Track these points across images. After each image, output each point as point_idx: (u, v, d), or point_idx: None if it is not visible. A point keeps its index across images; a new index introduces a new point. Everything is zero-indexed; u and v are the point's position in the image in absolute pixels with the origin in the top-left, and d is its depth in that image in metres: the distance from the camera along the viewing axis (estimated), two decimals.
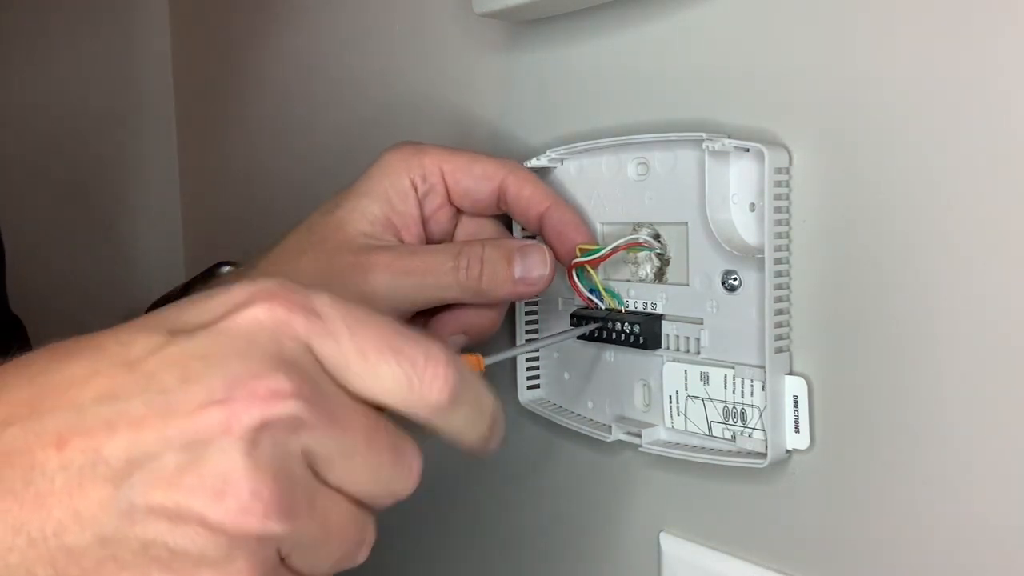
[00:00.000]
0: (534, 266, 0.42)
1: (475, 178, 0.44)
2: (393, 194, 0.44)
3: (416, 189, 0.44)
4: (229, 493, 0.25)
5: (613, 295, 0.43)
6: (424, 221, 0.45)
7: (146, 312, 0.49)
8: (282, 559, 0.27)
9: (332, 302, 0.28)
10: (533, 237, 0.45)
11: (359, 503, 0.29)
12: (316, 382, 0.27)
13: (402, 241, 0.44)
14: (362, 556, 0.29)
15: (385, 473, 0.29)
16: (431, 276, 0.42)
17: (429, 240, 0.46)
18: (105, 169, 0.84)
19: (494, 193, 0.44)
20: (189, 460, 0.25)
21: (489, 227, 0.46)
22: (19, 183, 0.76)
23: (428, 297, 0.42)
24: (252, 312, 0.27)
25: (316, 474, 0.27)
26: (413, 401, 0.28)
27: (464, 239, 0.46)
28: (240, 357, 0.26)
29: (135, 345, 0.27)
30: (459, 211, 0.46)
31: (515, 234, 0.47)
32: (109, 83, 0.83)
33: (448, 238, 0.46)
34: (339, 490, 0.28)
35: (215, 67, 0.80)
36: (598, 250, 0.42)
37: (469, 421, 0.31)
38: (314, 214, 0.45)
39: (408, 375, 0.28)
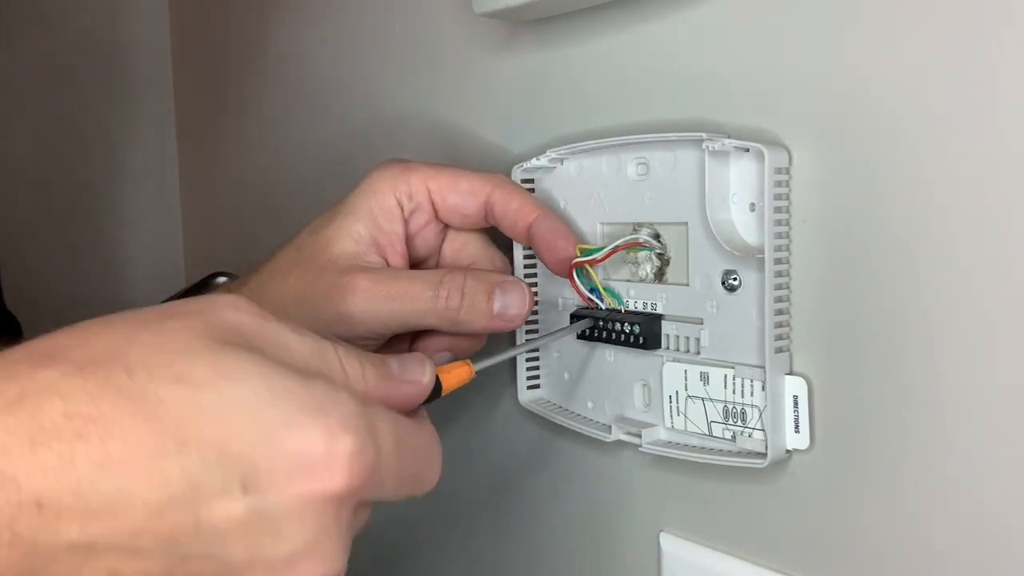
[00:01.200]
0: (512, 304, 0.43)
1: (461, 194, 0.44)
2: (379, 213, 0.44)
3: (402, 208, 0.44)
4: None
5: (613, 295, 0.43)
6: (409, 239, 0.45)
7: None
8: None
9: (393, 441, 0.30)
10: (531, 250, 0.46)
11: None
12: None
13: (386, 260, 0.45)
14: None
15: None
16: (410, 303, 0.42)
17: (414, 257, 0.46)
18: (104, 175, 0.84)
19: (481, 208, 0.44)
20: None
21: (475, 242, 0.47)
22: (16, 187, 0.76)
23: (405, 322, 0.43)
24: (332, 487, 0.28)
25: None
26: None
27: (450, 255, 0.47)
28: (307, 544, 0.28)
29: (205, 493, 0.26)
30: (446, 227, 0.46)
31: (515, 252, 0.47)
32: (108, 89, 0.83)
33: (435, 254, 0.47)
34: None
35: (215, 66, 0.80)
36: (598, 250, 0.42)
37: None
38: (303, 233, 0.46)
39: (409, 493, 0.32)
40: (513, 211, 0.44)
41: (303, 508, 0.27)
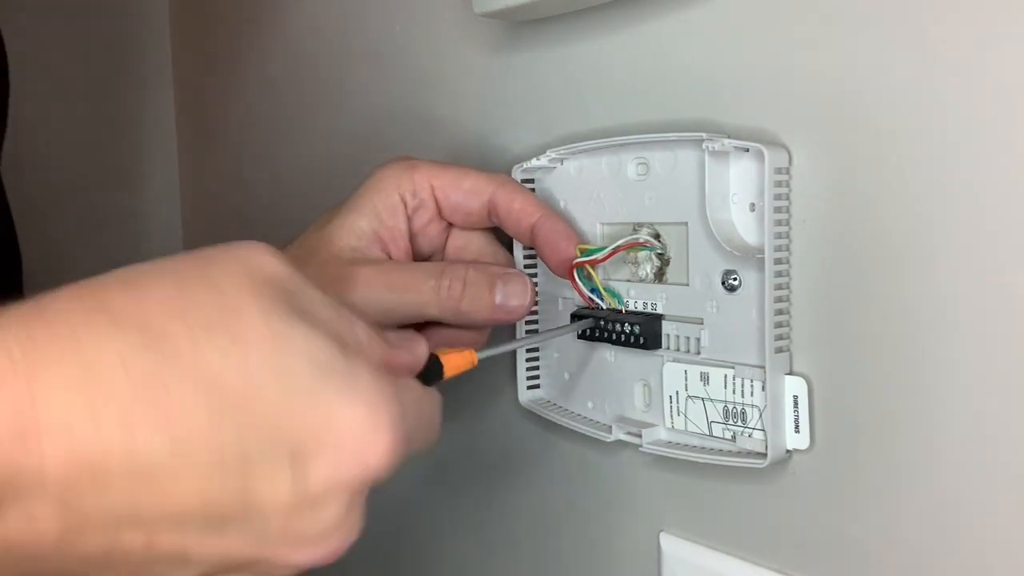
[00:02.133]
0: (514, 295, 0.43)
1: (464, 193, 0.44)
2: (382, 209, 0.44)
3: (405, 204, 0.44)
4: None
5: (613, 295, 0.43)
6: (413, 236, 0.45)
7: None
8: None
9: (416, 413, 0.31)
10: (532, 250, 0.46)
11: None
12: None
13: (390, 255, 0.45)
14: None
15: None
16: (412, 293, 0.42)
17: (418, 254, 0.46)
18: (107, 173, 0.84)
19: (484, 207, 0.44)
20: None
21: (479, 240, 0.47)
22: (28, 187, 0.76)
23: (407, 313, 0.43)
24: (368, 467, 0.28)
25: None
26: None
27: (454, 253, 0.47)
28: (338, 522, 0.28)
29: (256, 473, 0.27)
30: (450, 225, 0.46)
31: (516, 251, 0.47)
32: (109, 88, 0.83)
33: (438, 252, 0.47)
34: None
35: (215, 66, 0.80)
36: (598, 250, 0.42)
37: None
38: (310, 228, 0.46)
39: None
40: (516, 211, 0.44)
41: (342, 488, 0.28)
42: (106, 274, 0.28)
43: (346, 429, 0.27)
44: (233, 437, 0.26)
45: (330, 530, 0.28)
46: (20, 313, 0.25)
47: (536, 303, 0.48)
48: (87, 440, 0.24)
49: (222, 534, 0.27)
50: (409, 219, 0.45)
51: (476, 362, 0.37)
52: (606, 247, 0.42)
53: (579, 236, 0.44)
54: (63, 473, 0.24)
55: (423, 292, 0.42)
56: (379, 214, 0.44)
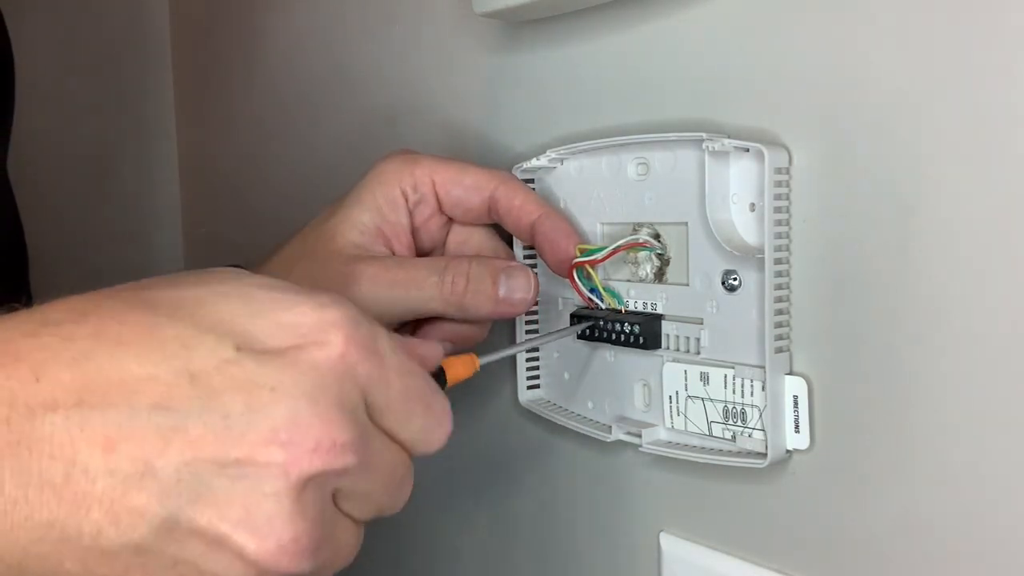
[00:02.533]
0: (517, 288, 0.43)
1: (465, 188, 0.44)
2: (384, 204, 0.44)
3: (407, 199, 0.44)
4: (271, 534, 0.26)
5: (613, 295, 0.43)
6: (414, 231, 0.45)
7: None
8: None
9: (391, 347, 0.30)
10: (532, 248, 0.46)
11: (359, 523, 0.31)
12: (365, 430, 0.29)
13: (392, 250, 0.45)
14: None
15: (391, 503, 0.32)
16: (415, 288, 0.42)
17: (419, 249, 0.46)
18: (106, 167, 0.83)
19: (485, 203, 0.44)
20: (239, 491, 0.26)
21: (480, 236, 0.47)
22: (28, 178, 0.76)
23: (411, 309, 0.43)
24: (326, 350, 0.28)
25: (338, 502, 0.29)
26: (418, 448, 0.31)
27: (454, 248, 0.47)
28: (308, 398, 0.27)
29: (199, 351, 0.26)
30: (451, 220, 0.46)
31: (515, 249, 0.47)
32: (109, 87, 0.83)
33: (439, 247, 0.47)
34: (351, 516, 0.30)
35: (214, 63, 0.80)
36: (598, 250, 0.42)
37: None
38: (312, 223, 0.46)
39: (430, 431, 0.31)
40: (516, 208, 0.44)
41: (299, 366, 0.27)
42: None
43: (291, 321, 0.28)
44: (172, 334, 0.27)
45: (302, 413, 0.27)
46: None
47: (536, 303, 0.48)
48: (28, 352, 0.26)
49: (183, 428, 0.26)
50: (410, 214, 0.45)
51: (478, 367, 0.37)
52: (605, 247, 0.42)
53: (579, 236, 0.44)
54: (6, 384, 0.25)
55: (426, 288, 0.42)
56: (381, 209, 0.44)
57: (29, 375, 0.25)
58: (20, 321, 0.27)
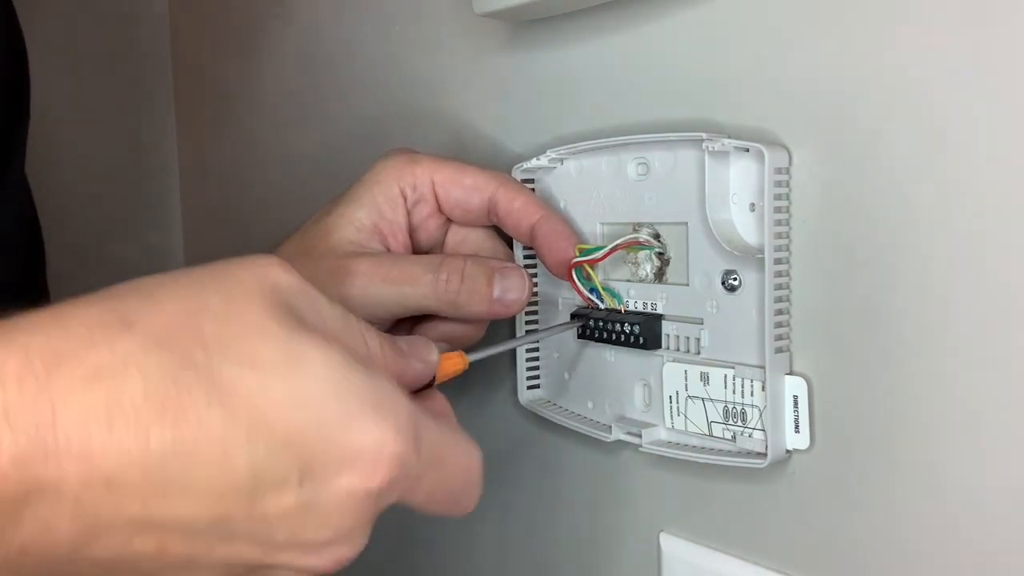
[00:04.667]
0: (511, 288, 0.43)
1: (465, 189, 0.44)
2: (382, 201, 0.44)
3: (405, 198, 0.44)
4: None
5: (613, 294, 0.43)
6: (412, 230, 0.45)
7: None
8: None
9: (427, 464, 0.30)
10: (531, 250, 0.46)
11: None
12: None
13: (389, 249, 0.45)
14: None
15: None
16: (409, 285, 0.42)
17: (416, 248, 0.46)
18: (102, 172, 0.83)
19: (484, 205, 0.44)
20: None
21: (478, 236, 0.47)
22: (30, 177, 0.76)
23: (405, 306, 0.43)
24: (369, 484, 0.28)
25: None
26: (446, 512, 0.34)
27: (452, 248, 0.47)
28: (347, 539, 0.29)
29: (265, 479, 0.27)
30: (449, 220, 0.46)
31: (515, 250, 0.47)
32: (108, 85, 0.83)
33: (438, 247, 0.47)
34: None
35: (214, 64, 0.80)
36: (597, 249, 0.42)
37: None
38: (308, 221, 0.46)
39: (446, 511, 0.33)
40: (516, 210, 0.44)
41: (348, 501, 0.28)
42: (124, 284, 0.28)
43: (355, 447, 0.28)
44: (245, 458, 0.26)
45: (336, 540, 0.28)
46: (40, 322, 0.26)
47: (536, 303, 0.48)
48: (103, 448, 0.25)
49: (230, 541, 0.27)
50: (408, 213, 0.45)
51: (467, 365, 0.37)
52: (604, 246, 0.42)
53: (579, 236, 0.44)
54: (80, 483, 0.24)
55: (420, 285, 0.42)
56: (379, 207, 0.44)
57: (101, 479, 0.25)
58: (93, 398, 0.25)
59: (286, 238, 0.46)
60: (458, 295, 0.42)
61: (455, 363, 0.37)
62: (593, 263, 0.42)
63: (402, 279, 0.42)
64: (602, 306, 0.43)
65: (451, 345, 0.44)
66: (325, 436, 0.27)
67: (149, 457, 0.25)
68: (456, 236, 0.47)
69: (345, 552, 0.29)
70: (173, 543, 0.26)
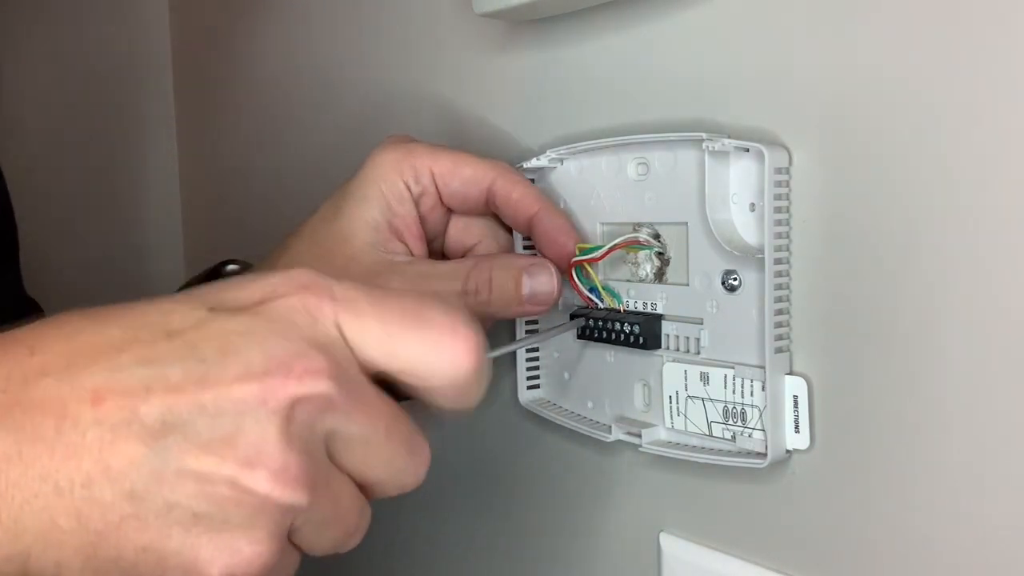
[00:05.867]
0: (542, 286, 0.43)
1: (464, 181, 0.44)
2: (391, 197, 0.44)
3: (410, 191, 0.44)
4: (261, 463, 0.26)
5: (612, 294, 0.43)
6: (422, 221, 0.45)
7: None
8: (289, 533, 0.28)
9: (355, 286, 0.30)
10: (529, 240, 0.46)
11: (363, 490, 0.30)
12: (346, 367, 0.28)
13: (406, 244, 0.44)
14: (355, 541, 0.31)
15: (398, 465, 0.30)
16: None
17: (427, 240, 0.46)
18: (103, 164, 0.83)
19: (483, 195, 0.44)
20: (223, 428, 0.26)
21: (481, 224, 0.47)
22: (31, 177, 0.76)
23: None
24: (291, 299, 0.28)
25: (333, 456, 0.29)
26: (441, 368, 0.30)
27: (456, 236, 0.47)
28: (278, 336, 0.28)
29: (175, 315, 0.28)
30: (451, 210, 0.46)
31: (515, 242, 0.47)
32: (109, 80, 0.83)
33: (440, 236, 0.47)
34: (351, 474, 0.30)
35: (214, 64, 0.80)
36: (597, 248, 0.42)
37: (479, 392, 0.31)
38: (314, 220, 0.45)
39: (436, 343, 0.29)
40: (514, 201, 0.44)
41: (270, 313, 0.28)
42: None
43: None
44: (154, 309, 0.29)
45: (281, 356, 0.27)
46: None
47: None
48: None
49: (164, 378, 0.27)
50: (416, 204, 0.44)
51: None
52: (603, 245, 0.42)
53: (579, 233, 0.44)
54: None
55: (450, 301, 0.42)
56: (389, 203, 0.44)
57: (25, 351, 0.27)
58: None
59: (291, 239, 0.45)
60: (489, 305, 0.42)
61: None
62: (592, 262, 0.42)
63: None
64: (601, 305, 0.43)
65: None
66: (227, 287, 0.29)
67: (68, 330, 0.28)
68: (458, 224, 0.47)
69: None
70: (106, 394, 0.27)
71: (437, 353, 0.29)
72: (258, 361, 0.27)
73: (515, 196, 0.44)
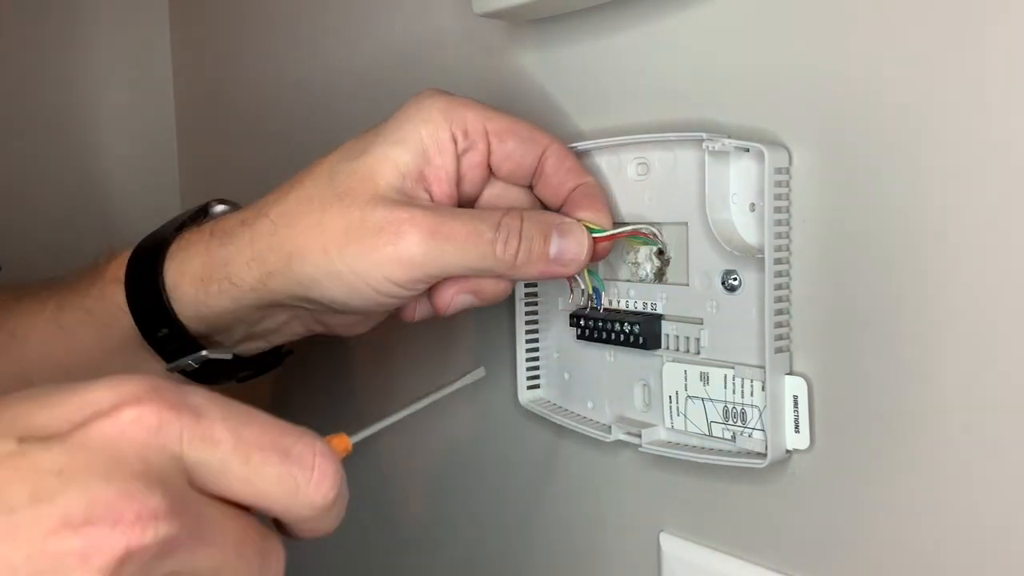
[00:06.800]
0: (570, 247, 0.40)
1: (522, 140, 0.41)
2: (431, 144, 0.40)
3: (456, 143, 0.40)
4: None
5: (594, 275, 0.42)
6: (459, 180, 0.41)
7: (132, 254, 0.44)
8: None
9: (210, 401, 0.27)
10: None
11: None
12: (185, 497, 0.25)
13: (432, 198, 0.40)
14: None
15: (252, 574, 0.27)
16: (472, 244, 0.38)
17: (458, 201, 0.42)
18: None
19: (536, 159, 0.41)
20: None
21: (518, 193, 0.43)
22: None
23: (465, 266, 0.39)
24: (118, 420, 0.25)
25: None
26: (298, 504, 0.27)
27: (489, 203, 0.42)
28: (102, 474, 0.24)
29: None
30: (491, 175, 0.42)
31: None
32: (109, 75, 0.83)
33: (471, 202, 0.43)
34: None
35: (214, 64, 0.80)
36: (604, 230, 0.41)
37: (338, 516, 0.29)
38: (334, 157, 0.41)
39: (295, 478, 0.27)
40: (565, 170, 0.41)
41: (89, 444, 0.24)
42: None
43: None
44: None
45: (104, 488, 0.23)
46: None
47: (536, 302, 0.48)
48: None
49: None
50: (458, 160, 0.40)
51: (350, 448, 0.33)
52: (611, 229, 0.41)
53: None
54: None
55: (482, 244, 0.38)
56: (427, 150, 0.40)
57: None
58: None
59: (305, 174, 0.41)
60: (516, 258, 0.39)
61: (337, 449, 0.31)
62: (600, 241, 0.41)
63: (466, 237, 0.38)
64: (582, 287, 0.43)
65: (478, 300, 0.41)
66: (42, 404, 0.25)
67: None
68: (494, 190, 0.42)
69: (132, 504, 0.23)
70: None
71: (295, 487, 0.27)
72: (78, 508, 0.23)
73: (568, 164, 0.41)
